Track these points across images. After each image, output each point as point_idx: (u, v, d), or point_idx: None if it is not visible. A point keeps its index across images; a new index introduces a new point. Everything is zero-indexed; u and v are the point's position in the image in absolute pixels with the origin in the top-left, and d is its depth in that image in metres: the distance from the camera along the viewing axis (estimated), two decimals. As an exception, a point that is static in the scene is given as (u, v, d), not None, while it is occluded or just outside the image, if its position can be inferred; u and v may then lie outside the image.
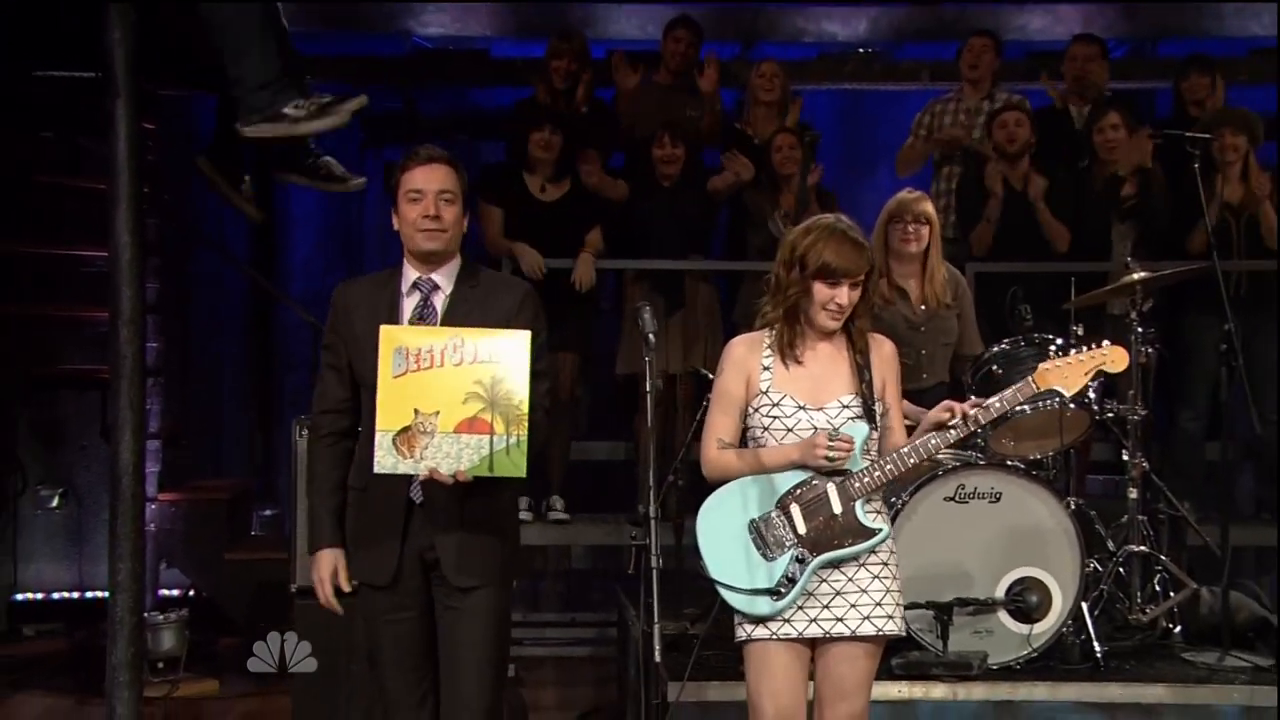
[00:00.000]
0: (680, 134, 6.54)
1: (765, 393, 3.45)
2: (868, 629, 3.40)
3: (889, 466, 3.40)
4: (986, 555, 4.67)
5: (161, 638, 5.70)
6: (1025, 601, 4.64)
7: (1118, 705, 4.58)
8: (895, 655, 4.48)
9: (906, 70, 7.90)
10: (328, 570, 3.53)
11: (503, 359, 3.34)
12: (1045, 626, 4.67)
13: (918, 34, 7.93)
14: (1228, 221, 6.23)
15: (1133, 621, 5.00)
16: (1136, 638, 5.00)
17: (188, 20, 3.83)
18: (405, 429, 3.32)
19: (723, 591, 3.41)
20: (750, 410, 3.47)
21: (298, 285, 7.99)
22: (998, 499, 4.68)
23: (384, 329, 3.36)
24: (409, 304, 3.54)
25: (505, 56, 7.88)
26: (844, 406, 3.43)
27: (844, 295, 3.41)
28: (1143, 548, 5.04)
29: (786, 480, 3.42)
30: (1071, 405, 4.79)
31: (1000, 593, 4.66)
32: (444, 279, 3.55)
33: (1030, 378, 3.49)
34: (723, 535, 3.43)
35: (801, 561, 3.38)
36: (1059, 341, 4.93)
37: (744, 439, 3.51)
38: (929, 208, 5.03)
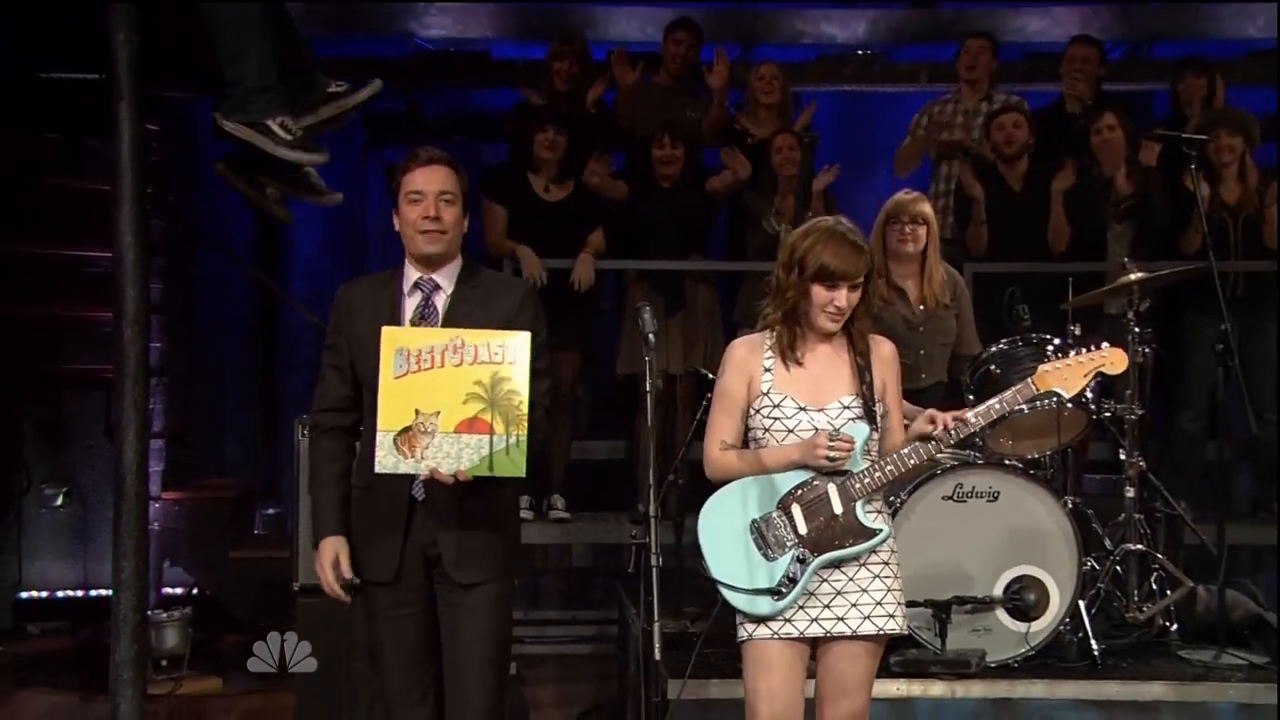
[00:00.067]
0: (680, 135, 6.57)
1: (766, 394, 3.47)
2: (868, 628, 3.41)
3: (889, 467, 3.42)
4: (984, 554, 4.69)
5: (165, 636, 5.72)
6: (1023, 600, 4.67)
7: (1115, 703, 4.60)
8: (894, 653, 4.50)
9: (905, 72, 7.93)
10: (329, 558, 3.53)
11: (503, 359, 3.36)
12: (1043, 625, 4.69)
13: (916, 36, 7.95)
14: (1225, 222, 6.26)
15: (1130, 620, 5.02)
16: (1133, 636, 5.02)
17: (187, 20, 3.83)
18: (406, 429, 3.34)
19: (724, 591, 3.43)
20: (751, 411, 3.49)
21: (301, 286, 8.02)
22: (995, 498, 4.71)
23: (385, 330, 3.39)
24: (410, 304, 3.57)
25: (506, 58, 7.90)
26: (844, 407, 3.45)
27: (842, 298, 3.43)
28: (1139, 546, 5.07)
29: (788, 481, 3.44)
30: (1069, 405, 4.81)
31: (998, 591, 4.69)
32: (445, 279, 3.57)
33: (1030, 379, 3.51)
34: (724, 535, 3.45)
35: (802, 561, 3.39)
36: (1056, 341, 4.96)
37: (746, 440, 3.53)
38: (926, 208, 5.05)
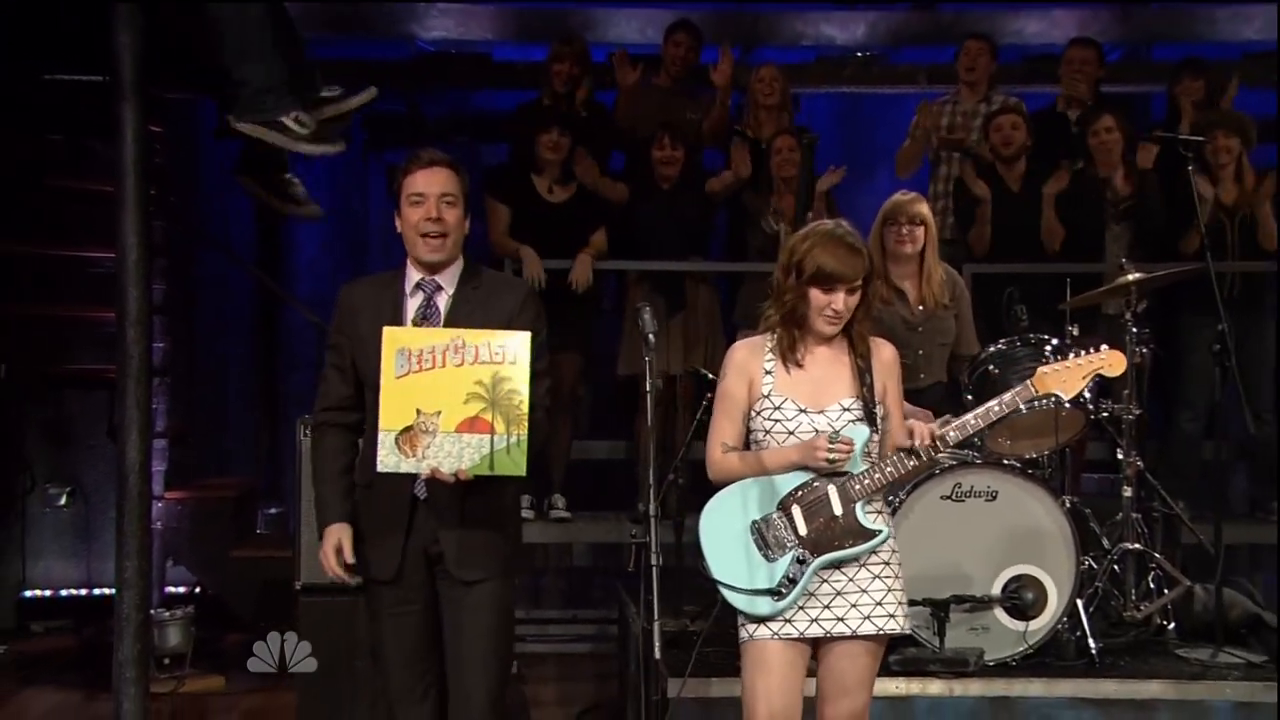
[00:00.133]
0: (680, 136, 6.59)
1: (767, 396, 3.48)
2: (868, 628, 3.43)
3: (889, 469, 3.43)
4: (983, 553, 4.71)
5: (168, 634, 5.74)
6: (1021, 599, 4.68)
7: (1112, 701, 4.61)
8: (893, 652, 4.50)
9: (904, 73, 7.94)
10: (332, 544, 3.55)
11: (503, 359, 3.38)
12: (1041, 623, 4.70)
13: (915, 38, 7.96)
14: (1222, 223, 6.28)
15: (1127, 618, 5.04)
16: (1131, 634, 5.04)
17: (188, 20, 3.83)
18: (408, 429, 3.37)
19: (724, 591, 3.44)
20: (753, 414, 3.50)
21: (303, 286, 8.03)
22: (994, 497, 4.72)
23: (387, 330, 3.42)
24: (412, 304, 3.59)
25: (507, 60, 7.92)
26: (845, 409, 3.46)
27: (839, 301, 3.43)
28: (1137, 546, 5.10)
29: (788, 482, 3.45)
30: (1067, 405, 4.83)
31: (996, 590, 4.70)
32: (447, 280, 3.60)
33: (1029, 381, 3.52)
34: (725, 536, 3.46)
35: (802, 562, 3.41)
36: (1055, 342, 4.98)
37: (748, 442, 3.54)
38: (924, 209, 5.06)
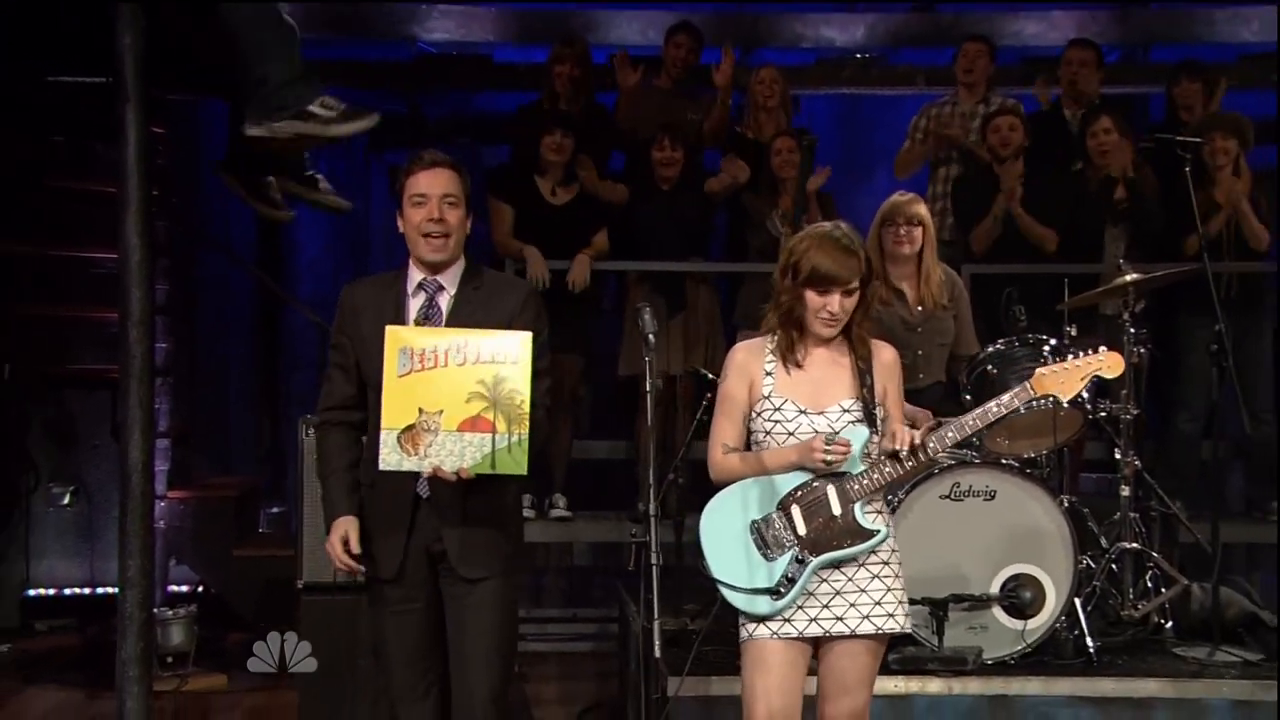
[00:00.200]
0: (680, 137, 6.61)
1: (767, 397, 3.49)
2: (867, 628, 3.44)
3: (887, 469, 3.44)
4: (981, 552, 4.72)
5: (171, 633, 5.73)
6: (1019, 598, 4.69)
7: (1110, 700, 4.62)
8: (892, 650, 4.49)
9: (903, 75, 7.97)
10: (339, 536, 3.55)
11: (505, 359, 3.40)
12: (1039, 622, 4.71)
13: (914, 39, 7.99)
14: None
15: (1125, 617, 5.05)
16: (1129, 633, 5.05)
17: (188, 20, 3.82)
18: (410, 427, 3.39)
19: (724, 591, 3.46)
20: (753, 415, 3.52)
21: (305, 287, 8.05)
22: (992, 497, 4.73)
23: (389, 329, 3.44)
24: (414, 304, 3.61)
25: (508, 62, 7.94)
26: (844, 410, 3.47)
27: (835, 303, 3.44)
28: (1135, 545, 5.10)
29: (788, 482, 3.47)
30: (1065, 404, 4.84)
31: (995, 589, 4.71)
32: (449, 280, 3.62)
33: (1028, 383, 3.53)
34: (724, 536, 3.48)
35: (801, 562, 3.42)
36: (1053, 342, 4.98)
37: (748, 443, 3.55)
38: (922, 209, 5.07)
